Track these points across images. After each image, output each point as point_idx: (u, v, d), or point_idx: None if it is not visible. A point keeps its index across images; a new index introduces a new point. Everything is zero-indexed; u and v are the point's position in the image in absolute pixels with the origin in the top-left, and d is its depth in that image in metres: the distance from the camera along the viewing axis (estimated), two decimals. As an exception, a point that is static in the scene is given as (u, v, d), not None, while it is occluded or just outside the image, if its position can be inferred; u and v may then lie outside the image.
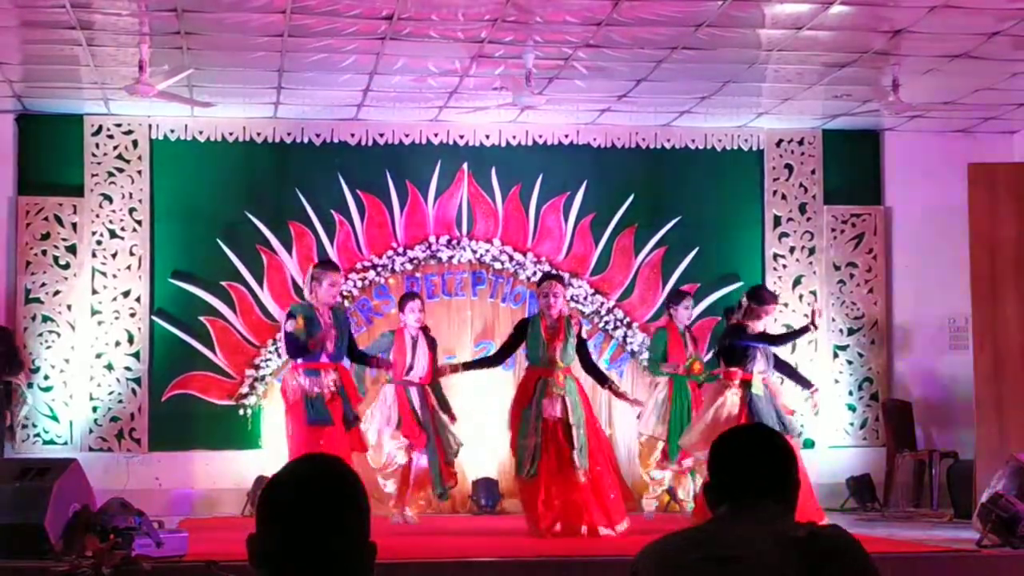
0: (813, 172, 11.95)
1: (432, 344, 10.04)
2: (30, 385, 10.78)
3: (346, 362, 9.17)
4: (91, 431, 10.96)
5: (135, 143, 11.19)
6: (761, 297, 9.13)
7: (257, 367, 11.06)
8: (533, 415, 8.83)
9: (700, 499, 8.98)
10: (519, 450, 8.89)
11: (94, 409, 10.98)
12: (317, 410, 8.58)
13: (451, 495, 10.25)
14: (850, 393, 11.84)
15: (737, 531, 2.78)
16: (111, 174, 11.15)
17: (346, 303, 10.98)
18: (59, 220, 11.04)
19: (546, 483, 8.76)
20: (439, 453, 9.87)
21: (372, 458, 9.79)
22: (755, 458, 2.89)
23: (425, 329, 10.04)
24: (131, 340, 11.07)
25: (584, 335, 9.42)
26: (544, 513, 8.74)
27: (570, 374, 9.00)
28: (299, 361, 8.74)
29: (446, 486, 9.95)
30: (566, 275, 11.48)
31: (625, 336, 11.52)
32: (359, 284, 11.27)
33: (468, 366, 9.59)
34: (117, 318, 11.07)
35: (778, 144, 11.92)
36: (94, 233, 11.09)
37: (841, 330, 11.83)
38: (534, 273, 11.25)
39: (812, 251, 11.91)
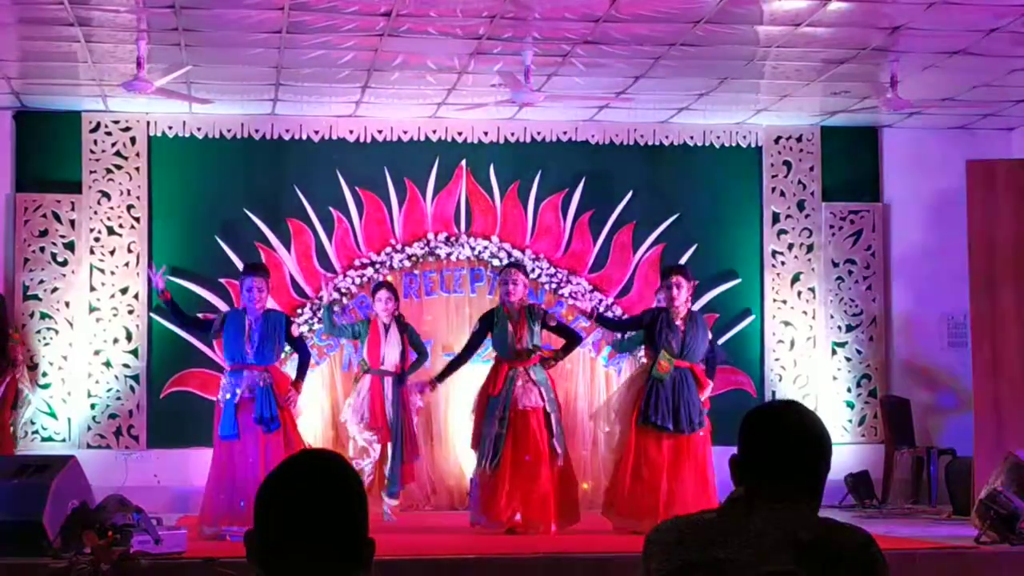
0: (811, 169, 11.94)
1: (404, 332, 9.97)
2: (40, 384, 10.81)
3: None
4: (89, 428, 10.95)
5: (133, 140, 11.18)
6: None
7: (255, 364, 11.06)
8: (500, 405, 8.83)
9: None
10: (482, 440, 8.89)
11: (92, 406, 10.97)
12: (223, 424, 8.66)
13: (401, 495, 9.98)
14: (848, 390, 11.84)
15: (746, 525, 2.66)
16: (109, 171, 11.14)
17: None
18: (57, 217, 11.04)
19: (510, 475, 8.77)
20: (404, 451, 9.79)
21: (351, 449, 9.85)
22: (783, 441, 2.75)
23: (399, 318, 10.03)
24: (129, 337, 11.07)
25: (558, 319, 9.55)
26: (506, 506, 8.76)
27: (538, 363, 9.02)
28: (228, 363, 8.90)
29: (403, 486, 9.88)
30: (564, 271, 11.48)
31: (624, 333, 11.51)
32: (357, 281, 11.26)
33: (441, 378, 9.57)
34: (115, 315, 11.06)
35: (776, 141, 11.91)
36: (92, 230, 11.08)
37: (839, 327, 11.83)
38: (532, 270, 11.24)
39: (810, 248, 11.90)
